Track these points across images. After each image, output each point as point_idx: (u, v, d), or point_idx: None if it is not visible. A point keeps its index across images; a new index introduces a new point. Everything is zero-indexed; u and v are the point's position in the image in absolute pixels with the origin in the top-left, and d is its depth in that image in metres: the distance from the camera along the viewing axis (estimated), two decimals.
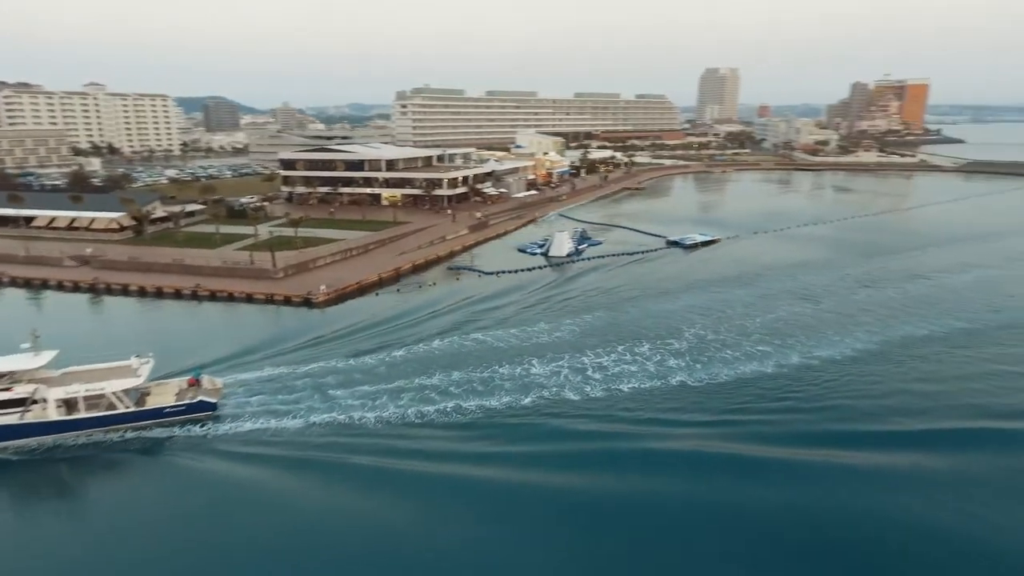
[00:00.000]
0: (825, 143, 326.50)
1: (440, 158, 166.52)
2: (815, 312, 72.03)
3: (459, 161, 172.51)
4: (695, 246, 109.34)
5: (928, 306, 73.78)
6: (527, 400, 49.95)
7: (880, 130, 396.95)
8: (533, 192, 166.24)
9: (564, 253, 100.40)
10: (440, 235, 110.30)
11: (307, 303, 76.39)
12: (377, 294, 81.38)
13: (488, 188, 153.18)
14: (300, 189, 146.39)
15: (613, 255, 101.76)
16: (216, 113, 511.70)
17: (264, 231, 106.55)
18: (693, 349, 60.27)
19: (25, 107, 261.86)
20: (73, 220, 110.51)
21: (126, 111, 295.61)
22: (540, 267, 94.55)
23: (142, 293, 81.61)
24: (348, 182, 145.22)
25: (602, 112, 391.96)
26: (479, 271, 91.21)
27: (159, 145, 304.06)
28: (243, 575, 33.86)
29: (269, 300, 77.92)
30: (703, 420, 46.69)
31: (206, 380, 51.28)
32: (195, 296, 79.83)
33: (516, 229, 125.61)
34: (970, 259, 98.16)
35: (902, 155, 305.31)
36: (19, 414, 45.39)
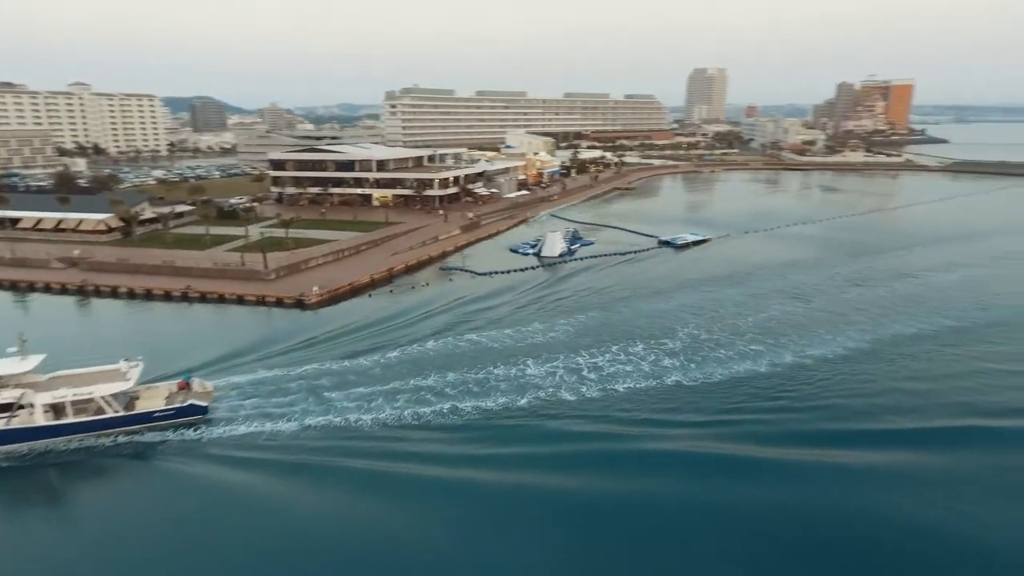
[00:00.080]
0: (812, 143, 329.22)
1: (431, 158, 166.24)
2: (806, 311, 72.61)
3: (450, 161, 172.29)
4: (686, 246, 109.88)
5: (917, 305, 74.60)
6: (523, 401, 49.96)
7: (866, 130, 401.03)
8: (524, 192, 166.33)
9: (556, 253, 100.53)
10: (432, 235, 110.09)
11: (299, 304, 75.95)
12: (370, 295, 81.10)
13: (479, 188, 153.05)
14: (290, 190, 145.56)
15: (605, 255, 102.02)
16: (203, 113, 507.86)
17: (255, 232, 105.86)
18: (687, 349, 60.55)
19: (9, 107, 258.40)
20: (60, 222, 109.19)
21: (112, 111, 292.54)
22: (533, 267, 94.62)
23: (131, 295, 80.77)
24: (338, 182, 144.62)
25: (591, 112, 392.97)
26: (472, 271, 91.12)
27: (146, 145, 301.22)
28: None
29: (261, 302, 77.39)
30: (698, 420, 46.91)
31: (196, 384, 50.79)
32: (185, 298, 79.14)
33: (508, 229, 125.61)
34: (957, 258, 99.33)
35: (888, 155, 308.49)
36: (5, 419, 44.77)
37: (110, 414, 46.36)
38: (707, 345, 61.46)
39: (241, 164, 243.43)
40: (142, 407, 47.97)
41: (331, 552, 34.52)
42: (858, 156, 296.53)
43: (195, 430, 46.71)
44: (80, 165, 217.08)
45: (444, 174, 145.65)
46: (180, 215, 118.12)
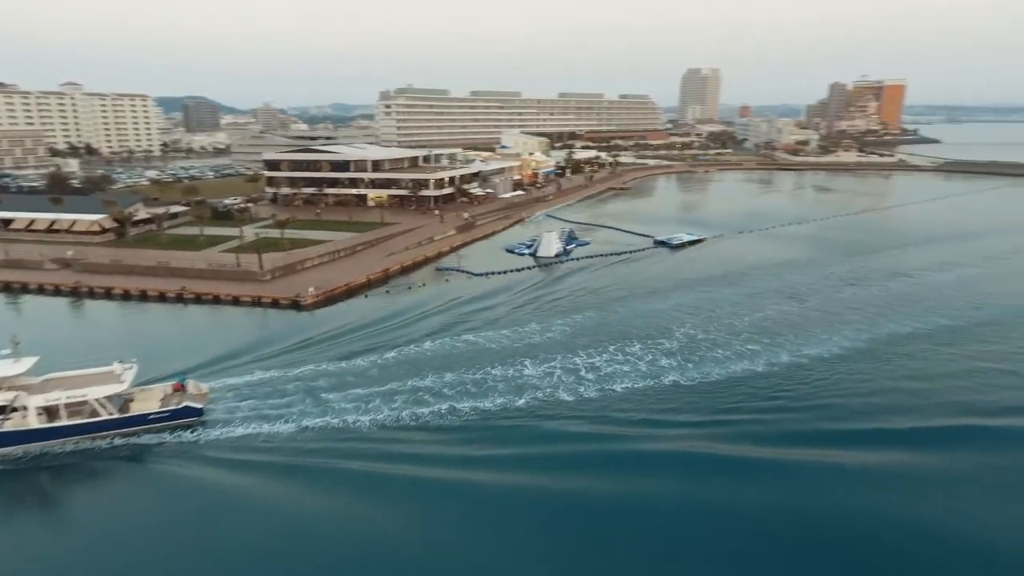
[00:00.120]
0: (806, 143, 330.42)
1: (426, 159, 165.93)
2: (802, 311, 72.86)
3: (445, 161, 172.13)
4: (681, 245, 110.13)
5: (911, 304, 74.98)
6: (521, 402, 49.90)
7: (859, 130, 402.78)
8: (519, 192, 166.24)
9: (552, 253, 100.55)
10: (428, 236, 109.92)
11: (295, 305, 75.68)
12: (366, 296, 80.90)
13: (475, 189, 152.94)
14: (285, 190, 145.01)
15: (601, 255, 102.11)
16: (196, 113, 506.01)
17: (250, 233, 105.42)
18: (684, 348, 60.65)
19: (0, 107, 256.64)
20: (53, 222, 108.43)
21: (104, 111, 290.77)
22: (529, 267, 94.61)
23: (126, 296, 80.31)
24: (334, 183, 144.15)
25: (586, 112, 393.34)
26: (468, 272, 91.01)
27: (139, 146, 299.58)
28: None
29: (256, 303, 77.07)
30: (696, 420, 46.96)
31: (191, 385, 50.53)
32: (180, 299, 78.74)
33: (504, 229, 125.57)
34: (950, 258, 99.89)
35: (881, 155, 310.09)
36: None
37: (104, 416, 46.05)
38: (704, 345, 61.58)
39: (235, 164, 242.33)
40: (136, 409, 47.66)
41: (330, 554, 34.39)
42: (851, 156, 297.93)
43: (192, 432, 46.47)
44: (72, 166, 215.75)
45: (440, 174, 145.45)
46: (174, 216, 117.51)
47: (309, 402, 49.93)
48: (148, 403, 48.45)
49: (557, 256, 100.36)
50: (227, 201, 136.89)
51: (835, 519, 36.26)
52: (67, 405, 45.50)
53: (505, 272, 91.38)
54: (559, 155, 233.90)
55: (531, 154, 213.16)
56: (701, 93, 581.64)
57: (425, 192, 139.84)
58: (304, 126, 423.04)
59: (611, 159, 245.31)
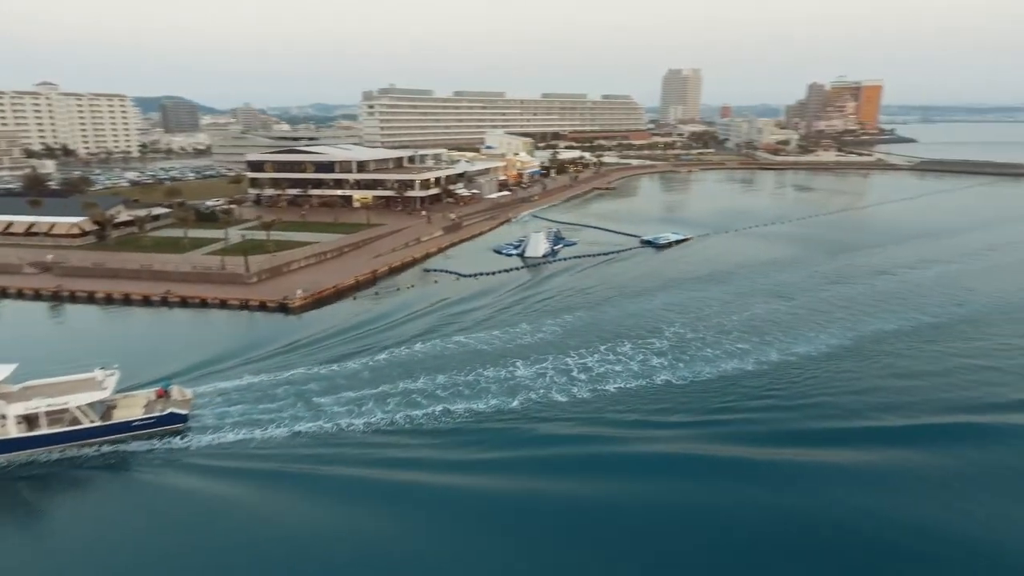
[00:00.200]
0: (786, 143, 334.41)
1: (411, 159, 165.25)
2: (789, 309, 73.67)
3: (430, 162, 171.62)
4: (668, 245, 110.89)
5: (896, 301, 76.16)
6: (515, 403, 49.81)
7: (837, 130, 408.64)
8: (505, 193, 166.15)
9: (540, 254, 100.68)
10: (415, 237, 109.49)
11: (283, 308, 74.90)
12: (355, 298, 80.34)
13: (461, 189, 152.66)
14: (269, 191, 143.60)
15: (589, 255, 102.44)
16: (175, 114, 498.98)
17: (234, 235, 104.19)
18: (675, 348, 61.02)
19: None
20: (31, 225, 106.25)
21: (81, 111, 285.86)
22: (517, 268, 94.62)
23: (108, 300, 78.88)
24: (318, 184, 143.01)
25: (569, 112, 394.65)
26: (456, 273, 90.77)
27: (117, 147, 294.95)
28: None
29: (244, 305, 76.15)
30: (690, 421, 47.13)
31: (175, 391, 49.65)
32: (165, 303, 77.57)
33: (490, 230, 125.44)
34: (929, 255, 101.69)
35: (859, 154, 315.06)
36: None
37: (86, 424, 45.01)
38: (694, 344, 62.01)
39: (216, 165, 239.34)
40: (119, 416, 46.66)
41: (327, 564, 33.85)
42: (831, 156, 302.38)
43: (181, 438, 45.72)
44: (49, 167, 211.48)
45: (425, 175, 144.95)
46: (157, 218, 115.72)
47: (301, 406, 49.40)
48: (131, 410, 47.48)
49: (545, 256, 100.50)
50: (210, 203, 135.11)
51: (831, 519, 36.39)
52: (47, 413, 44.41)
53: (494, 273, 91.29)
54: (543, 155, 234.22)
55: (516, 154, 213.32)
56: (682, 93, 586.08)
57: (411, 193, 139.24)
58: (286, 126, 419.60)
59: (595, 159, 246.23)
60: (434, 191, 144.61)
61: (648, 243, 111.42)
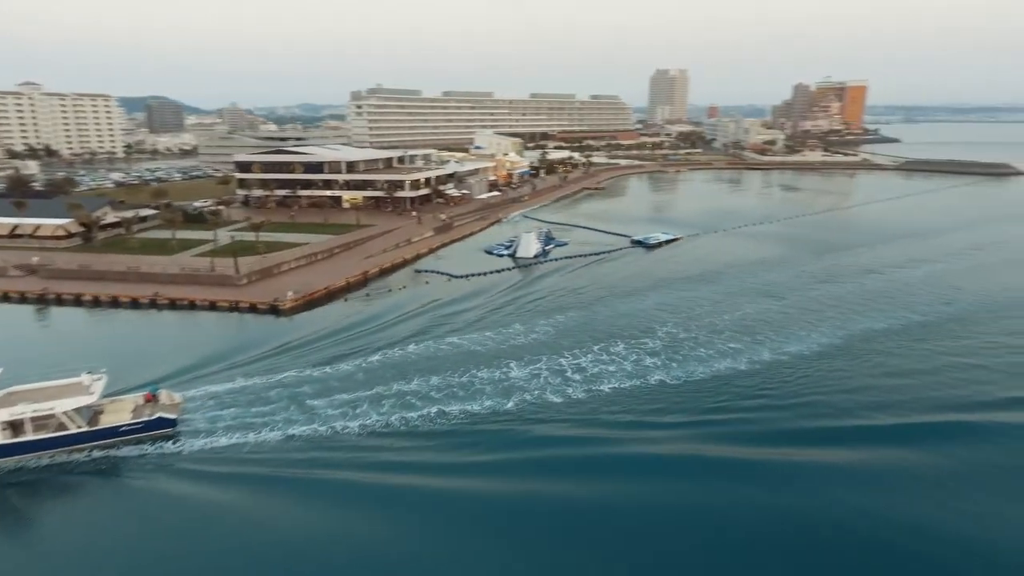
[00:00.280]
0: (773, 143, 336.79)
1: (401, 160, 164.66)
2: (780, 308, 74.14)
3: (419, 162, 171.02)
4: (658, 245, 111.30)
5: (884, 300, 76.88)
6: (509, 404, 49.73)
7: (823, 130, 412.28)
8: (495, 193, 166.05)
9: (531, 254, 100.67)
10: (405, 238, 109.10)
11: (274, 310, 74.33)
12: (346, 299, 79.91)
13: (451, 190, 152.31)
14: (257, 192, 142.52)
15: (579, 255, 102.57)
16: (160, 114, 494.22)
17: (223, 236, 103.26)
18: (667, 348, 61.21)
19: None
20: (16, 227, 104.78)
21: (64, 112, 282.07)
22: (508, 268, 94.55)
23: (96, 303, 77.93)
24: (307, 184, 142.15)
25: (558, 112, 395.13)
26: (448, 274, 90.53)
27: (101, 147, 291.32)
28: None
29: (234, 307, 75.46)
30: (684, 421, 47.27)
31: (164, 395, 49.01)
32: (154, 305, 76.71)
33: (481, 231, 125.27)
34: (916, 254, 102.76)
35: (845, 154, 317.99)
36: None
37: (73, 430, 44.34)
38: (687, 344, 62.24)
39: (203, 166, 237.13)
40: (107, 422, 45.98)
41: (320, 567, 33.59)
42: (817, 156, 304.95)
43: (174, 443, 45.23)
44: (32, 168, 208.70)
45: (415, 175, 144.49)
46: (144, 219, 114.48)
47: (294, 409, 49.05)
48: (119, 415, 46.82)
49: (536, 257, 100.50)
50: (197, 204, 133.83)
51: (826, 518, 36.56)
52: (33, 419, 43.70)
53: (485, 273, 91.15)
54: (532, 155, 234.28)
55: (505, 155, 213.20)
56: (670, 93, 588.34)
57: (401, 193, 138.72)
58: (273, 127, 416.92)
59: (584, 159, 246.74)
60: (424, 192, 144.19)
61: (638, 243, 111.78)
